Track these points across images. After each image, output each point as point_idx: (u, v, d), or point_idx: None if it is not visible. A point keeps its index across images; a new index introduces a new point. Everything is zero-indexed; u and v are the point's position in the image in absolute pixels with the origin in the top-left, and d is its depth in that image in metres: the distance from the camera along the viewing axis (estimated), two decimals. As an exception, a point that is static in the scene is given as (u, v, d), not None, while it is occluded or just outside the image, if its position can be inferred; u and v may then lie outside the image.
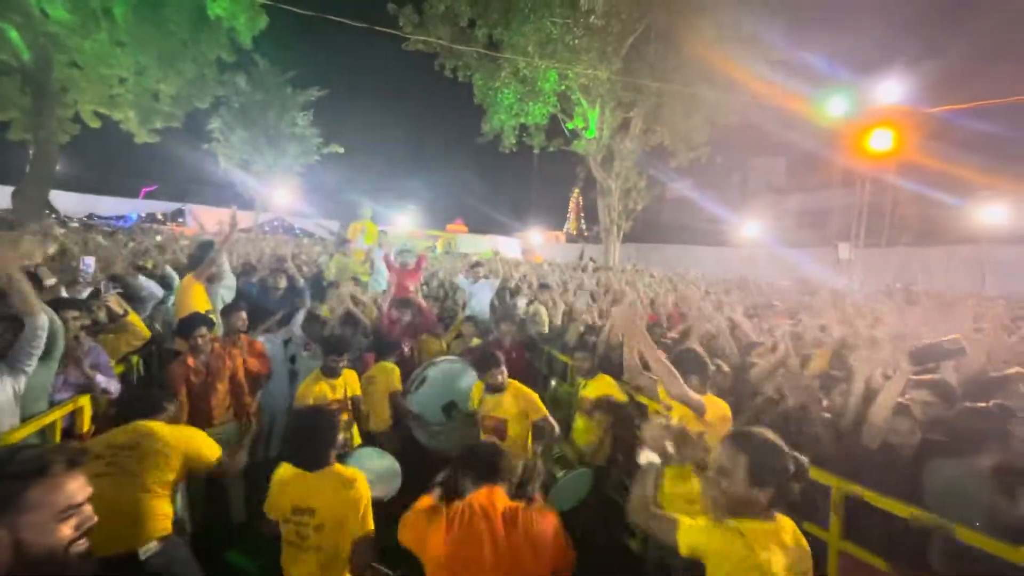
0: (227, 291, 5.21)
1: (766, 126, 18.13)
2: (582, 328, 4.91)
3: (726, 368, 3.47)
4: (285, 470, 2.17)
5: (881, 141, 9.72)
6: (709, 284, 9.89)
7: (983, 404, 2.34)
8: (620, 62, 18.66)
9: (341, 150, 25.61)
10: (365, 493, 2.08)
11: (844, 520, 2.42)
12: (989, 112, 14.58)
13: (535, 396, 3.40)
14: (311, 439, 2.15)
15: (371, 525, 2.07)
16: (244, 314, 4.02)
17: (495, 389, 3.42)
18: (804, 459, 1.69)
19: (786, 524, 1.67)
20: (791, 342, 3.77)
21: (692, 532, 1.70)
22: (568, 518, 2.33)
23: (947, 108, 13.53)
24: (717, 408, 2.69)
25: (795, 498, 1.65)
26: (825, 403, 2.74)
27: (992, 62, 15.09)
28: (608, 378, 3.80)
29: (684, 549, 1.70)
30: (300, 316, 4.65)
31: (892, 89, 10.31)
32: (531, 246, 34.08)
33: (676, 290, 7.82)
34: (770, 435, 1.72)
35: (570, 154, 21.80)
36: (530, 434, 3.43)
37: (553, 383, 5.02)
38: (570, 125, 20.88)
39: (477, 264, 7.39)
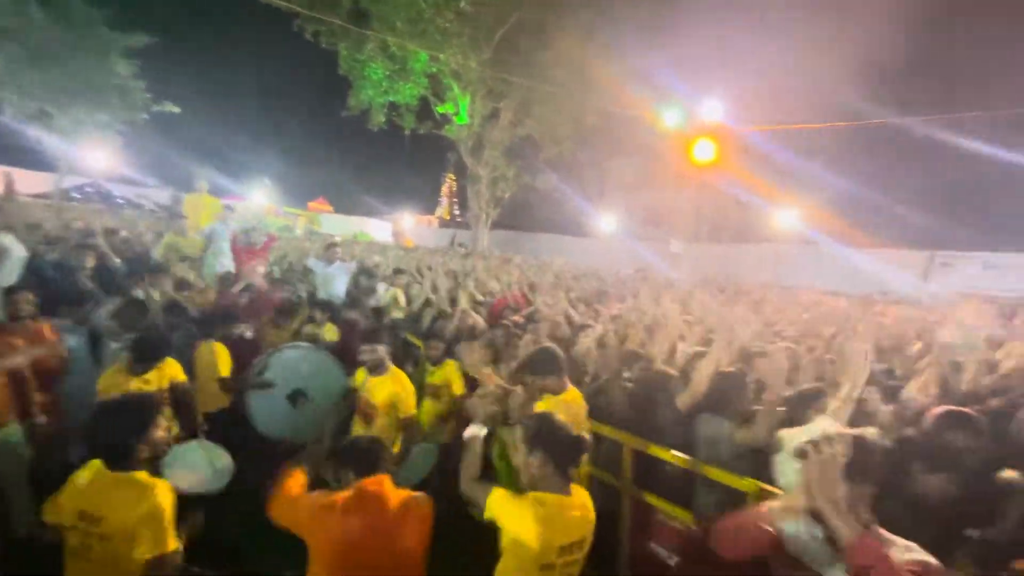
0: (9, 270, 4.38)
1: (621, 128, 19.85)
2: (435, 313, 5.05)
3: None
4: (88, 469, 1.94)
5: (704, 151, 11.34)
6: (559, 271, 10.71)
7: (732, 370, 2.98)
8: (491, 52, 18.94)
9: (176, 110, 22.15)
10: (165, 505, 1.89)
11: (637, 471, 2.91)
12: (779, 135, 17.93)
13: (411, 391, 3.31)
14: (116, 430, 1.94)
15: (172, 543, 1.89)
16: (30, 296, 3.42)
17: (371, 368, 3.30)
18: (584, 435, 2.06)
19: (577, 498, 1.97)
20: (615, 324, 4.34)
21: (494, 501, 1.93)
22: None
23: (753, 128, 16.33)
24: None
25: (576, 465, 2.02)
26: (627, 375, 3.24)
27: (786, 92, 18.46)
28: (452, 365, 3.99)
29: (488, 515, 1.94)
30: (111, 303, 4.08)
31: (715, 107, 12.07)
32: (402, 229, 33.29)
33: (528, 277, 8.34)
34: (546, 414, 2.08)
35: (442, 138, 21.67)
36: (399, 431, 3.31)
37: (409, 368, 5.10)
38: (441, 109, 20.73)
39: (333, 245, 7.08)
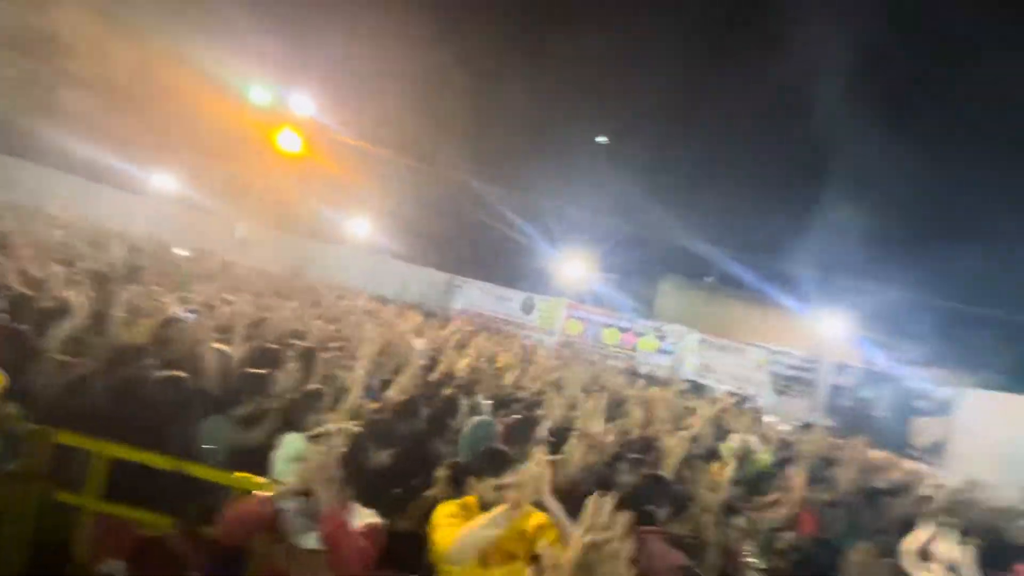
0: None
1: (177, 75, 16.11)
2: None
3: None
4: None
5: (290, 142, 11.21)
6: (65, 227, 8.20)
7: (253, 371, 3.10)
8: None
9: None
10: None
11: (115, 483, 2.53)
12: (365, 150, 20.00)
13: None
14: None
15: None
16: None
17: None
18: None
19: None
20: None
21: None
22: None
23: (338, 137, 17.45)
24: None
25: None
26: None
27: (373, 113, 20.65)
28: None
29: None
30: None
31: (306, 103, 12.14)
32: None
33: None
34: None
35: None
36: None
37: None
38: None
39: None
